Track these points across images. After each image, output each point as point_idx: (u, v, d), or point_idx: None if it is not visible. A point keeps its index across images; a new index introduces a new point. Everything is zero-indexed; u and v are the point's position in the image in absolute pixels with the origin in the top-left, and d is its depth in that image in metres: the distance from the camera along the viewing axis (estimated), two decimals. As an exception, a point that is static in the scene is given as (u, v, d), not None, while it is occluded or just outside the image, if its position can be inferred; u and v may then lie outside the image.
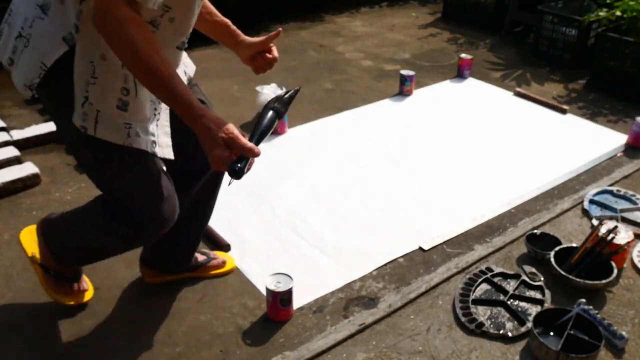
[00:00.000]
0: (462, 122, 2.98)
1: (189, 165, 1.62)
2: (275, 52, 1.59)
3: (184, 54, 1.55)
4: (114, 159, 1.38)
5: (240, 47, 1.59)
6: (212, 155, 1.19)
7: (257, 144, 1.25)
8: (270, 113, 1.33)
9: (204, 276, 1.89)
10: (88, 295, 1.78)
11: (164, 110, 1.48)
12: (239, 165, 1.19)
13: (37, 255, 1.68)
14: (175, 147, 1.51)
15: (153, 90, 1.24)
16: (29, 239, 1.71)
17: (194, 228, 1.79)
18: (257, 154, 1.21)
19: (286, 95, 1.38)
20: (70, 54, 1.26)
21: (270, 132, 1.33)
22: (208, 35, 1.60)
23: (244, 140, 1.19)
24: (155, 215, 1.45)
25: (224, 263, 1.93)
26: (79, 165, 1.42)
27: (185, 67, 1.59)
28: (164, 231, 1.50)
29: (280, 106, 1.35)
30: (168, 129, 1.50)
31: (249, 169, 1.23)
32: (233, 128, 1.20)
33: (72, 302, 1.73)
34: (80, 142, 1.36)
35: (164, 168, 1.52)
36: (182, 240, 1.78)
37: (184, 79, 1.55)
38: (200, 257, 1.90)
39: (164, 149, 1.46)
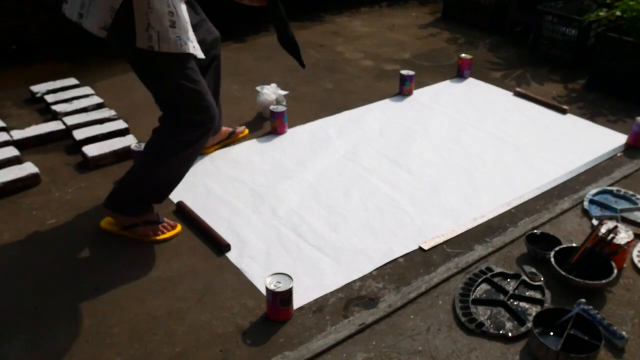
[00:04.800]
0: (462, 122, 2.98)
1: None
2: None
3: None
4: (176, 65, 1.85)
5: None
6: None
7: None
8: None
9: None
10: (179, 227, 2.11)
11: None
12: None
13: (118, 227, 2.05)
14: None
15: None
16: (108, 225, 2.09)
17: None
18: None
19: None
20: None
21: None
22: None
23: None
24: (212, 107, 1.94)
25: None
26: (152, 86, 1.93)
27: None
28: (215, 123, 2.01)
29: None
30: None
31: None
32: None
33: (172, 234, 2.07)
34: (148, 61, 1.82)
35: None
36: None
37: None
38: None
39: (198, 50, 1.90)
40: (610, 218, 2.19)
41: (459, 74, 3.52)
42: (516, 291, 1.85)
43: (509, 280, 1.90)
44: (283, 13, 1.70)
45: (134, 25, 1.75)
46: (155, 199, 2.10)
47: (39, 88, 3.06)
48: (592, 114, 3.08)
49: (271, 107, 2.80)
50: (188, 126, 1.93)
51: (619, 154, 2.69)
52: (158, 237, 2.05)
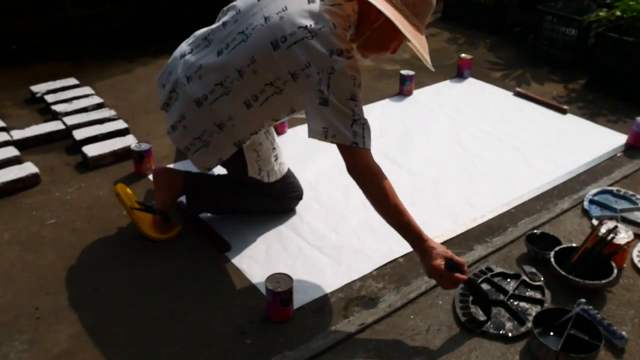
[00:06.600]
0: (462, 122, 2.98)
1: None
2: None
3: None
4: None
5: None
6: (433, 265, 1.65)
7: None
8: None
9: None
10: (178, 227, 2.10)
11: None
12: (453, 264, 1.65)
13: (136, 206, 2.03)
14: None
15: (396, 224, 1.69)
16: (124, 194, 2.06)
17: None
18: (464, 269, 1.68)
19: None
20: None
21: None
22: None
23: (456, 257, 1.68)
24: (300, 192, 2.24)
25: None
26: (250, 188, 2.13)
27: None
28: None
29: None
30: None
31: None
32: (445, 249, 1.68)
33: (172, 234, 2.06)
34: (259, 182, 2.07)
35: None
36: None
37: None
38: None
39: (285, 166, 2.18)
40: (610, 218, 2.19)
41: (459, 74, 3.52)
42: (516, 291, 1.85)
43: (509, 280, 1.90)
44: (481, 289, 1.78)
45: (245, 163, 2.00)
46: (198, 203, 2.14)
47: (39, 88, 3.06)
48: (592, 114, 3.08)
49: (271, 107, 2.80)
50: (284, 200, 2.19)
51: (619, 154, 2.69)
52: (156, 236, 2.05)
